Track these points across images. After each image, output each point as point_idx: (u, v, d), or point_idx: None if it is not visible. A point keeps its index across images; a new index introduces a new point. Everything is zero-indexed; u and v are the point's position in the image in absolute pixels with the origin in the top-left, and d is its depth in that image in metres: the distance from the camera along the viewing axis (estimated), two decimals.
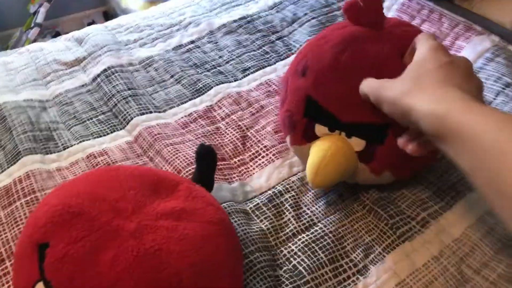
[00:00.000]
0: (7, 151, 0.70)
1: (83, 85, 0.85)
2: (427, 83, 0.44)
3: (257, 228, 0.58)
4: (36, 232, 0.41)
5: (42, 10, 2.34)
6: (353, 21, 0.58)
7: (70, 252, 0.39)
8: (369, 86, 0.51)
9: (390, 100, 0.47)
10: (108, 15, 2.59)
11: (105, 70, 0.86)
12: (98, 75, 0.85)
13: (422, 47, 0.49)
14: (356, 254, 0.56)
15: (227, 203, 0.60)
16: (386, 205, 0.59)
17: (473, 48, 0.80)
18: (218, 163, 0.66)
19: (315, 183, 0.55)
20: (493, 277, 0.52)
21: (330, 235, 0.57)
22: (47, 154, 0.70)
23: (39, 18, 2.32)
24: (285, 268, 0.54)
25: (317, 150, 0.56)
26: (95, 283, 0.38)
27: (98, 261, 0.38)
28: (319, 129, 0.57)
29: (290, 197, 0.62)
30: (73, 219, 0.40)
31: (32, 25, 2.32)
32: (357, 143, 0.55)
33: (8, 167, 0.67)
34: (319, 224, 0.59)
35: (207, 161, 0.54)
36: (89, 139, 0.72)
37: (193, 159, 0.66)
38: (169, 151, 0.67)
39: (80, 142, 0.72)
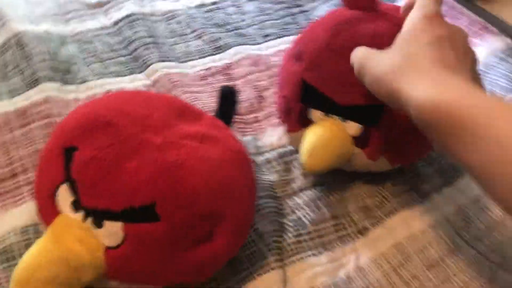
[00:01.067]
0: (25, 75, 0.71)
1: (103, 28, 0.86)
2: (421, 62, 0.40)
3: (266, 178, 0.60)
4: (64, 136, 0.43)
5: None
6: (349, 5, 0.58)
7: (97, 156, 0.40)
8: (356, 55, 0.48)
9: (375, 76, 0.43)
10: None
11: (127, 15, 0.86)
12: (120, 20, 0.86)
13: (416, 12, 0.44)
14: (357, 215, 0.58)
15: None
16: (390, 174, 0.62)
17: (487, 46, 0.83)
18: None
19: (309, 166, 0.54)
20: (482, 248, 0.55)
21: (335, 194, 0.60)
22: (65, 84, 0.70)
23: None
24: (289, 217, 0.57)
25: (312, 134, 0.55)
26: (117, 189, 0.39)
27: (123, 169, 0.39)
28: (314, 114, 0.57)
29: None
30: (102, 127, 0.41)
31: None
32: (353, 127, 0.55)
33: (26, 90, 0.68)
34: (325, 184, 0.61)
35: (229, 101, 0.55)
36: (108, 77, 0.73)
37: (211, 107, 0.67)
38: (188, 97, 0.69)
39: (99, 78, 0.73)
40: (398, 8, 0.58)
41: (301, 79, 0.56)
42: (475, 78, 0.44)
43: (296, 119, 0.58)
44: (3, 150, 0.59)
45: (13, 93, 0.68)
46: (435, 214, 0.58)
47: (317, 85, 0.55)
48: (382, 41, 0.51)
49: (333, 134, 0.54)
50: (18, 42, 0.77)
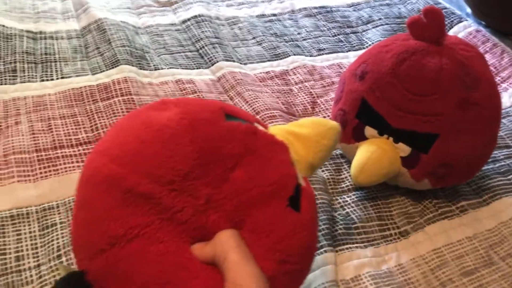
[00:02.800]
0: (105, 57, 0.78)
1: (172, 24, 0.93)
2: None
3: (319, 175, 0.65)
4: None
5: None
6: (415, 35, 0.61)
7: None
8: None
9: None
10: None
11: (195, 16, 0.93)
12: (188, 19, 0.93)
13: None
14: (400, 219, 0.63)
15: None
16: (433, 188, 0.67)
17: None
18: (289, 117, 0.74)
19: (358, 181, 0.59)
20: None
21: (381, 198, 0.65)
22: (141, 69, 0.77)
23: None
24: (339, 212, 0.62)
25: (364, 151, 0.60)
26: None
27: None
28: (369, 131, 0.61)
29: (348, 161, 0.69)
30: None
31: None
32: (403, 149, 0.59)
33: (106, 70, 0.75)
34: (372, 188, 0.66)
35: None
36: (178, 68, 0.80)
37: (269, 105, 0.73)
38: (250, 95, 0.75)
39: (170, 68, 0.79)
40: (465, 43, 0.62)
41: (361, 98, 0.61)
42: None
43: (350, 133, 0.63)
44: (88, 116, 0.66)
45: (95, 70, 0.75)
46: (472, 228, 0.63)
47: (376, 106, 0.59)
48: (446, 78, 0.56)
49: (384, 154, 0.59)
50: (99, 27, 0.84)
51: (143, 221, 0.35)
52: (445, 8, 1.09)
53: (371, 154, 0.59)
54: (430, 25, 0.59)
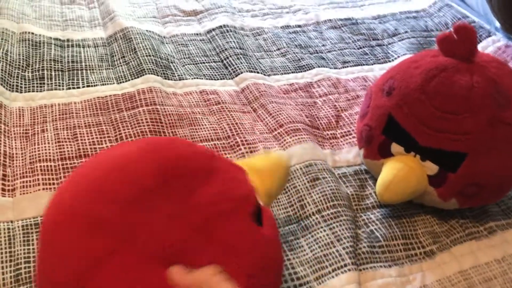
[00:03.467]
0: (131, 66, 0.78)
1: (197, 34, 0.94)
2: None
3: (343, 189, 0.64)
4: None
5: None
6: (445, 52, 0.60)
7: None
8: None
9: None
10: None
11: (220, 26, 0.94)
12: (213, 29, 0.93)
13: None
14: (425, 238, 0.61)
15: (320, 160, 0.66)
16: (460, 208, 0.65)
17: None
18: (313, 130, 0.73)
19: (383, 199, 0.58)
20: None
21: (406, 216, 0.63)
22: (166, 79, 0.77)
23: None
24: (363, 229, 0.60)
25: (390, 168, 0.58)
26: None
27: None
28: (395, 148, 0.60)
29: (373, 177, 0.68)
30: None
31: None
32: (430, 167, 0.58)
33: (132, 79, 0.75)
34: (397, 206, 0.65)
35: None
36: (202, 79, 0.80)
37: (293, 118, 0.72)
38: (273, 107, 0.74)
39: (194, 78, 0.80)
40: (497, 60, 0.61)
41: (388, 114, 0.59)
42: None
43: (376, 149, 0.62)
44: (113, 126, 0.66)
45: (120, 79, 0.76)
46: (502, 251, 0.61)
47: (403, 123, 0.58)
48: (477, 97, 0.55)
49: (410, 172, 0.57)
50: (125, 36, 0.85)
51: (107, 248, 0.33)
52: (474, 22, 1.07)
53: (398, 171, 0.58)
54: (461, 42, 0.57)
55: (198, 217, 0.37)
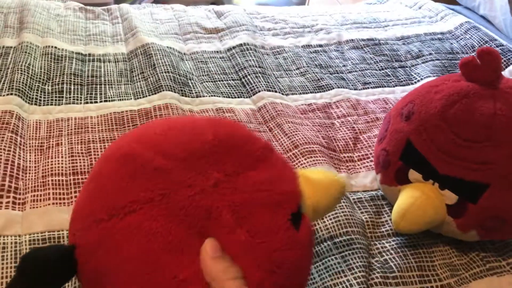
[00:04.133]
0: (149, 82, 0.79)
1: (217, 51, 0.94)
2: None
3: (358, 216, 0.62)
4: None
5: None
6: (468, 77, 0.57)
7: None
8: None
9: None
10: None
11: (240, 44, 0.94)
12: (233, 47, 0.93)
13: None
14: (443, 271, 0.58)
15: None
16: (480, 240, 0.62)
17: None
18: (329, 152, 0.71)
19: (399, 228, 0.55)
20: None
21: (423, 247, 0.60)
22: (183, 96, 0.77)
23: None
24: (376, 259, 0.58)
25: (407, 196, 0.56)
26: None
27: None
28: (413, 174, 0.58)
29: (389, 203, 0.66)
30: None
31: None
32: (449, 197, 0.55)
33: (149, 95, 0.75)
34: (413, 235, 0.62)
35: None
36: (219, 96, 0.80)
37: (309, 139, 0.71)
38: (289, 127, 0.73)
39: (211, 96, 0.79)
40: None
41: (406, 139, 0.57)
42: None
43: (393, 175, 0.59)
44: None
45: (138, 95, 0.76)
46: None
47: (422, 149, 0.56)
48: (501, 125, 0.52)
49: (429, 201, 0.55)
50: (145, 52, 0.86)
51: (145, 197, 0.35)
52: (501, 45, 1.04)
53: (415, 200, 0.55)
54: (485, 67, 0.55)
55: (239, 198, 0.37)
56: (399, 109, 0.62)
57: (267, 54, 0.95)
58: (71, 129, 0.68)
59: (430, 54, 1.02)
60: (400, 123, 0.60)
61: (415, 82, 0.93)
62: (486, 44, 1.04)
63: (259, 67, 0.88)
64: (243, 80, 0.85)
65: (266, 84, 0.83)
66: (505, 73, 0.99)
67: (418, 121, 0.57)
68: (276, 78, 0.88)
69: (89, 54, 0.86)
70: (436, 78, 0.63)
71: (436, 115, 0.55)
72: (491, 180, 0.52)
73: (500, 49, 1.03)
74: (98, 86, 0.78)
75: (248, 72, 0.86)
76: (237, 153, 0.40)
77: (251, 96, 0.82)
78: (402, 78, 0.94)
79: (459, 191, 0.55)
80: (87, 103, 0.74)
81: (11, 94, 0.69)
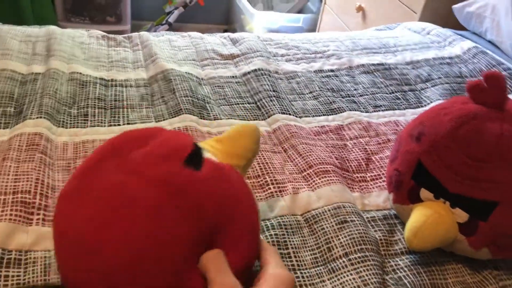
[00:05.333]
0: (169, 106, 0.82)
1: (233, 76, 0.98)
2: None
3: (372, 234, 0.64)
4: None
5: (176, 13, 2.60)
6: (476, 100, 0.60)
7: None
8: None
9: None
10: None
11: (255, 70, 0.98)
12: (249, 72, 0.97)
13: None
14: None
15: (349, 203, 0.66)
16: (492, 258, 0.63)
17: None
18: (342, 172, 0.74)
19: (412, 246, 0.57)
20: None
21: (436, 264, 0.62)
22: (201, 119, 0.81)
23: (172, 18, 2.59)
24: (390, 276, 0.60)
25: (419, 214, 0.58)
26: None
27: None
28: (424, 193, 0.60)
29: (402, 222, 0.68)
30: None
31: (164, 22, 2.58)
32: (460, 215, 0.57)
33: (169, 118, 0.79)
34: (426, 253, 0.64)
35: None
36: (235, 119, 0.83)
37: (323, 160, 0.73)
38: (303, 148, 0.76)
39: (228, 119, 0.83)
40: None
41: (417, 159, 0.60)
42: None
43: (405, 194, 0.62)
44: None
45: (158, 118, 0.80)
46: None
47: (433, 169, 0.58)
48: (507, 144, 0.54)
49: (440, 219, 0.57)
50: (165, 77, 0.90)
51: (73, 209, 0.44)
52: (509, 69, 1.06)
53: (427, 218, 0.57)
54: (491, 90, 0.58)
55: (132, 164, 0.45)
56: (409, 130, 0.64)
57: (281, 79, 0.98)
58: None
59: (439, 78, 1.05)
60: (411, 144, 0.62)
61: (425, 105, 0.96)
62: (494, 68, 1.07)
63: (273, 91, 0.91)
64: (258, 103, 0.89)
65: (281, 107, 0.87)
66: None
67: (428, 142, 0.59)
68: (289, 101, 0.91)
69: (112, 80, 0.90)
70: (445, 101, 0.65)
71: (445, 136, 0.58)
72: (500, 198, 0.54)
73: (507, 72, 1.06)
74: (121, 109, 0.82)
75: (263, 96, 0.89)
76: (124, 144, 0.48)
77: (266, 118, 0.85)
78: (412, 101, 0.97)
79: (469, 210, 0.57)
80: (110, 125, 0.77)
81: (41, 117, 0.73)
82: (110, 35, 1.08)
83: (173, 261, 0.42)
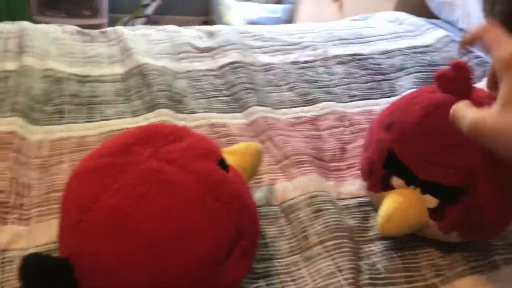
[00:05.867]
0: (145, 100, 0.82)
1: (210, 69, 0.98)
2: None
3: (346, 221, 0.66)
4: None
5: (154, 5, 2.58)
6: (443, 89, 0.61)
7: None
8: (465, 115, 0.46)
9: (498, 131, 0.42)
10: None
11: (232, 62, 0.98)
12: (225, 65, 0.98)
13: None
14: (428, 271, 0.62)
15: (324, 192, 0.68)
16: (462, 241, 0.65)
17: None
18: (318, 162, 0.75)
19: (384, 232, 0.59)
20: None
21: (409, 249, 0.64)
22: (178, 113, 0.81)
23: (149, 11, 2.56)
24: (365, 261, 0.61)
25: (391, 201, 0.60)
26: None
27: None
28: (396, 181, 0.62)
29: (375, 209, 0.69)
30: None
31: (142, 15, 2.56)
32: (430, 201, 0.59)
33: (145, 113, 0.79)
34: (399, 238, 0.66)
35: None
36: (212, 112, 0.84)
37: (299, 150, 0.75)
38: (280, 139, 0.77)
39: (205, 112, 0.83)
40: (492, 96, 0.59)
41: (388, 148, 0.62)
42: None
43: (377, 182, 0.64)
44: None
45: (135, 113, 0.80)
46: (505, 285, 0.61)
47: (403, 157, 0.60)
48: None
49: (411, 205, 0.59)
50: (141, 72, 0.90)
51: (101, 187, 0.44)
52: (480, 56, 1.09)
53: (398, 205, 0.59)
54: (458, 79, 0.59)
55: (173, 156, 0.47)
56: (380, 120, 0.66)
57: (258, 71, 0.99)
58: (72, 148, 0.71)
59: (413, 66, 1.07)
60: (382, 133, 0.64)
61: (399, 94, 0.98)
62: (465, 57, 1.10)
63: (250, 83, 0.92)
64: (235, 96, 0.89)
65: (257, 99, 0.87)
66: (482, 83, 1.04)
67: (398, 131, 0.61)
68: (266, 93, 0.92)
69: (87, 76, 0.90)
70: (414, 90, 0.67)
71: (414, 124, 0.59)
72: (467, 183, 0.56)
73: (478, 60, 1.09)
74: (97, 106, 0.82)
75: (239, 89, 0.90)
76: (158, 134, 0.50)
77: (243, 111, 0.85)
78: (386, 90, 0.99)
79: (438, 195, 0.59)
80: (86, 122, 0.77)
81: (14, 115, 0.73)
82: (85, 30, 1.07)
83: (210, 250, 0.44)
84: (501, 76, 0.41)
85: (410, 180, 0.60)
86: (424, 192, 0.60)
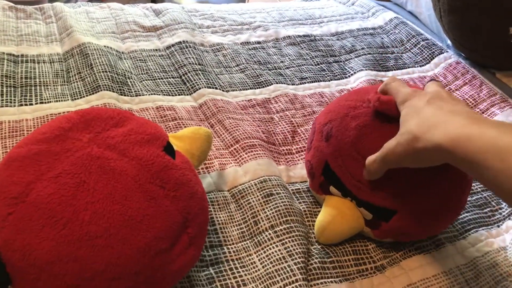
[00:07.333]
0: (86, 82, 0.77)
1: (156, 50, 0.94)
2: (434, 119, 0.47)
3: (297, 205, 0.65)
4: None
5: None
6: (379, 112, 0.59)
7: None
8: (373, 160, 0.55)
9: (402, 152, 0.50)
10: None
11: (180, 42, 0.94)
12: (173, 45, 0.94)
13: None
14: (376, 254, 0.63)
15: (275, 176, 0.67)
16: None
17: (505, 117, 0.90)
18: (269, 146, 0.74)
19: (320, 241, 0.62)
20: None
21: (358, 234, 0.64)
22: (122, 95, 0.77)
23: None
24: (315, 246, 0.61)
25: (326, 213, 0.62)
26: None
27: None
28: (334, 190, 0.63)
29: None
30: None
31: None
32: (365, 214, 0.61)
33: (87, 95, 0.74)
34: None
35: None
36: (159, 94, 0.80)
37: (250, 134, 0.73)
38: (230, 123, 0.75)
39: (151, 94, 0.79)
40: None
41: (325, 159, 0.62)
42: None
43: (317, 185, 0.65)
44: None
45: (75, 95, 0.75)
46: (448, 263, 0.63)
47: (338, 173, 0.61)
48: None
49: (344, 219, 0.61)
50: (82, 52, 0.84)
51: (37, 173, 0.41)
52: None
53: (332, 218, 0.61)
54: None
55: (115, 141, 0.45)
56: (321, 124, 0.65)
57: (207, 52, 0.96)
58: (5, 133, 0.66)
59: (363, 48, 1.08)
60: (321, 141, 0.63)
61: (349, 76, 0.98)
62: (413, 39, 1.11)
63: (199, 64, 0.89)
64: (183, 77, 0.86)
65: (207, 81, 0.85)
66: (430, 65, 1.06)
67: (334, 147, 0.61)
68: (216, 75, 0.89)
69: (22, 55, 0.83)
70: (355, 91, 0.65)
71: (350, 144, 0.59)
72: (398, 207, 0.57)
73: (425, 42, 1.11)
74: (33, 87, 0.76)
75: (188, 70, 0.87)
76: (98, 118, 0.48)
77: (191, 93, 0.82)
78: (336, 72, 0.99)
79: (372, 212, 0.60)
80: (21, 105, 0.72)
81: None
82: (19, 6, 0.99)
83: (155, 239, 0.42)
84: (400, 111, 0.54)
85: (346, 193, 0.62)
86: (359, 206, 0.61)
